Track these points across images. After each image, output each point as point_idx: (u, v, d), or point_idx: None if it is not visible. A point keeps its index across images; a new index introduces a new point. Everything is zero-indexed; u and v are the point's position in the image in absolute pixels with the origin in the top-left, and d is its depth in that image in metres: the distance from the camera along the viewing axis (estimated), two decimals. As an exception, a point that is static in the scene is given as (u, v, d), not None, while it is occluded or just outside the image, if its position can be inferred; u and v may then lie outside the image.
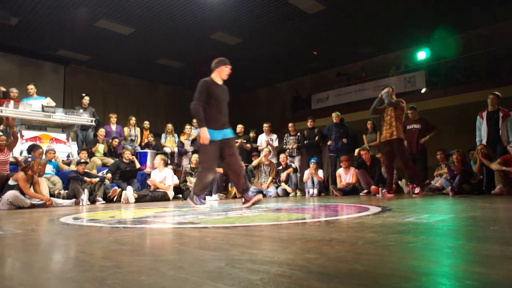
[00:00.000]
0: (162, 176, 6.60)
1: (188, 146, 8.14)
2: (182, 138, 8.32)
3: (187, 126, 8.32)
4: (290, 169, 7.37)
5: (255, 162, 7.53)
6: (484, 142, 5.87)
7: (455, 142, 7.45)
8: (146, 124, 8.73)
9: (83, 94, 8.15)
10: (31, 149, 5.98)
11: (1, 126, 6.15)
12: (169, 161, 8.05)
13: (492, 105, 6.00)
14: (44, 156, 6.03)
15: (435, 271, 0.95)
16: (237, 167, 3.75)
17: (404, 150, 5.63)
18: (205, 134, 3.57)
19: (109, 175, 6.49)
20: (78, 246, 1.59)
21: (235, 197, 7.08)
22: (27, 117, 6.64)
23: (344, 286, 0.80)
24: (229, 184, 7.27)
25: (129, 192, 5.99)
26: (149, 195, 6.28)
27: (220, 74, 3.80)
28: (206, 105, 3.66)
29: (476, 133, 6.18)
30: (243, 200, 3.76)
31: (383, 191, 5.75)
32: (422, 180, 5.80)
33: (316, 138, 7.86)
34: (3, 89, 7.25)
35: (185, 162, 7.98)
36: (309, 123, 8.09)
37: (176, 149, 8.36)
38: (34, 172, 5.04)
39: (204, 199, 4.15)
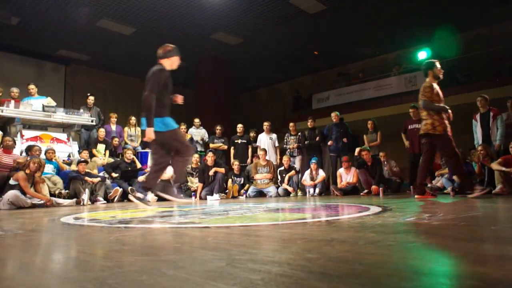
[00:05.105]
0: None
1: None
2: None
3: (182, 127, 8.04)
4: (293, 172, 7.38)
5: (252, 164, 7.59)
6: (479, 143, 5.95)
7: (456, 142, 7.44)
8: None
9: (88, 94, 8.15)
10: (28, 149, 5.99)
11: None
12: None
13: (482, 107, 6.14)
14: (43, 156, 6.03)
15: (436, 271, 0.95)
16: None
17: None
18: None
19: (115, 174, 6.57)
20: (79, 246, 1.59)
21: (234, 196, 7.09)
22: (27, 117, 6.65)
23: (345, 286, 0.80)
24: (230, 184, 7.28)
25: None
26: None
27: (172, 64, 3.53)
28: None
29: (474, 136, 6.28)
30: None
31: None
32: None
33: (317, 138, 7.87)
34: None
35: None
36: (309, 123, 8.10)
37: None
38: (31, 170, 5.03)
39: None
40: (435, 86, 4.39)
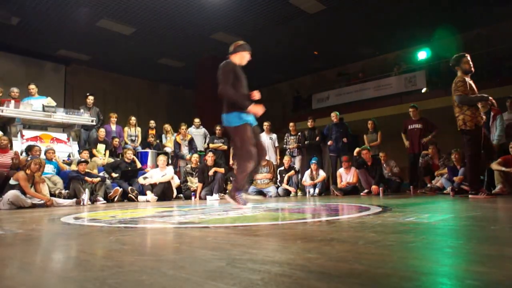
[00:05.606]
0: (162, 174, 6.61)
1: (184, 147, 7.99)
2: (178, 138, 8.06)
3: (183, 127, 8.07)
4: (292, 172, 7.38)
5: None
6: None
7: (456, 142, 7.44)
8: (152, 123, 8.70)
9: (88, 94, 8.15)
10: (28, 149, 5.99)
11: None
12: (170, 161, 8.05)
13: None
14: (43, 156, 6.03)
15: (436, 270, 0.95)
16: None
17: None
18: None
19: (115, 174, 6.60)
20: (79, 246, 1.59)
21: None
22: (27, 117, 6.65)
23: (345, 285, 0.80)
24: (229, 184, 7.27)
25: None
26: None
27: (241, 60, 3.72)
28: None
29: None
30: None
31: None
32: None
33: (317, 138, 7.88)
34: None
35: (182, 164, 7.92)
36: (309, 123, 8.10)
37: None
38: (32, 170, 5.03)
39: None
40: (467, 79, 4.31)
